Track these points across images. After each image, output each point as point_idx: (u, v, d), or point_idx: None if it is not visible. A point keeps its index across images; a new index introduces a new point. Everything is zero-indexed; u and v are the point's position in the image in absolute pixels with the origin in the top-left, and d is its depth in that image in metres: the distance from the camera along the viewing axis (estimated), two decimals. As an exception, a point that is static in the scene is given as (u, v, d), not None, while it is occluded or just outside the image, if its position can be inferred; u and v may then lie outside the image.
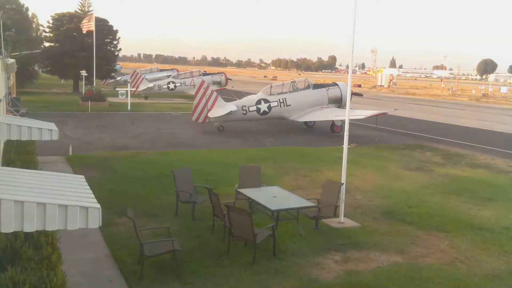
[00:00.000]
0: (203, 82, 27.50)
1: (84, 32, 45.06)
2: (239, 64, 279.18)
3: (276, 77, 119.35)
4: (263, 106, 26.50)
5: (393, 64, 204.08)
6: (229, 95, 31.82)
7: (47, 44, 54.36)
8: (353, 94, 24.72)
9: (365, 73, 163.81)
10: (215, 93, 26.07)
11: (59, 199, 5.22)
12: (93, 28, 43.55)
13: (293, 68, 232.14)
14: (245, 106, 26.35)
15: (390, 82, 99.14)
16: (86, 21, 44.73)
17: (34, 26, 57.53)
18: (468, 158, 21.31)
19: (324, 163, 18.50)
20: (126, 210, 9.38)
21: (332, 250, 10.19)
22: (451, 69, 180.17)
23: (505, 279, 9.22)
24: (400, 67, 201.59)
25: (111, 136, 23.95)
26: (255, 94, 28.13)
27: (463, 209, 13.52)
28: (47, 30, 54.19)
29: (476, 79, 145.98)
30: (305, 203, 11.28)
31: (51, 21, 53.68)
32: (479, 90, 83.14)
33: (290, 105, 26.88)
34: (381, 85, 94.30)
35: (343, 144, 12.21)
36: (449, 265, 9.71)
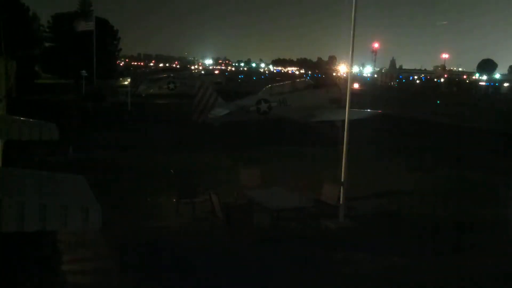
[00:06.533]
0: (203, 82, 27.48)
1: (78, 30, 44.88)
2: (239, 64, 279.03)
3: (277, 77, 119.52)
4: (263, 106, 26.47)
5: (393, 64, 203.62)
6: (230, 95, 31.79)
7: (47, 44, 54.42)
8: (353, 94, 24.70)
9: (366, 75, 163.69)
10: (215, 93, 26.04)
11: (60, 200, 5.23)
12: (93, 28, 43.58)
13: (294, 67, 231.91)
14: (245, 106, 26.32)
15: (390, 82, 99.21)
16: (82, 20, 44.72)
17: (35, 26, 57.59)
18: (469, 158, 21.29)
19: (324, 163, 18.46)
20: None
21: (332, 250, 10.19)
22: (451, 69, 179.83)
23: (505, 279, 9.23)
24: (400, 67, 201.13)
25: (112, 136, 23.94)
26: (256, 94, 28.11)
27: (464, 209, 13.52)
28: (47, 30, 54.25)
29: (479, 79, 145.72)
30: (305, 202, 11.29)
31: (51, 21, 53.73)
32: (479, 90, 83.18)
33: (290, 105, 26.86)
34: (381, 85, 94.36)
35: (342, 144, 12.21)
36: (449, 265, 9.71)
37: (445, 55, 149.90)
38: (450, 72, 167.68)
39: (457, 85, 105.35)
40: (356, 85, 65.70)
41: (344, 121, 12.53)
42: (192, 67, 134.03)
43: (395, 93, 72.16)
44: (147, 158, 18.74)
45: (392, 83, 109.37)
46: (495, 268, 9.64)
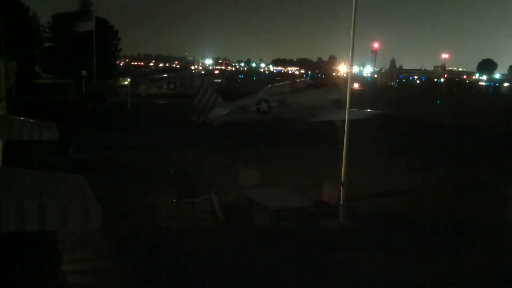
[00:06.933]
0: (203, 82, 27.48)
1: (78, 31, 44.89)
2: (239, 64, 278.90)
3: (277, 77, 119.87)
4: (263, 106, 26.47)
5: (393, 64, 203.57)
6: (230, 95, 31.79)
7: (47, 44, 54.45)
8: (353, 94, 24.71)
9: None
10: (215, 93, 26.05)
11: (60, 200, 5.22)
12: (93, 28, 43.59)
13: (294, 67, 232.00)
14: (245, 106, 26.32)
15: (390, 82, 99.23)
16: (82, 21, 44.72)
17: (35, 26, 57.57)
18: (469, 158, 21.29)
19: (324, 163, 18.47)
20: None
21: (332, 250, 10.19)
22: (451, 69, 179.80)
23: (505, 279, 9.23)
24: (400, 67, 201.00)
25: (112, 136, 23.94)
26: (256, 94, 28.10)
27: (464, 209, 13.52)
28: (47, 30, 54.27)
29: (479, 79, 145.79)
30: (305, 202, 11.30)
31: (51, 21, 53.76)
32: (479, 90, 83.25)
33: (290, 105, 26.85)
34: (381, 85, 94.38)
35: (342, 144, 12.21)
36: (450, 265, 9.71)
37: (445, 55, 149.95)
38: (450, 72, 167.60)
39: (457, 85, 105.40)
40: (356, 85, 65.68)
41: (344, 121, 12.52)
42: (192, 67, 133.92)
43: (395, 93, 72.17)
44: (147, 158, 18.74)
45: (392, 83, 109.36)
46: (495, 268, 9.64)
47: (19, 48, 42.07)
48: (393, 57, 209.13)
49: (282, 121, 28.17)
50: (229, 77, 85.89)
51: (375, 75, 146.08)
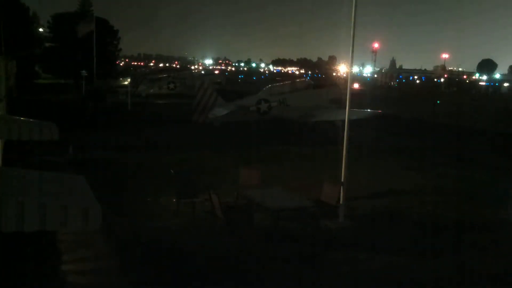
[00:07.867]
0: (203, 82, 27.49)
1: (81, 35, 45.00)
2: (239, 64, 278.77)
3: (277, 77, 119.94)
4: (264, 106, 26.46)
5: (393, 64, 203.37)
6: (230, 95, 31.79)
7: (47, 44, 54.46)
8: (353, 94, 24.68)
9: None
10: (215, 93, 26.05)
11: (60, 200, 5.22)
12: (93, 28, 43.55)
13: (294, 67, 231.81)
14: (245, 106, 26.31)
15: (390, 82, 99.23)
16: (84, 23, 44.77)
17: (35, 26, 57.55)
18: (469, 158, 21.29)
19: (324, 163, 18.47)
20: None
21: (332, 250, 10.19)
22: (451, 69, 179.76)
23: (505, 279, 9.23)
24: (400, 67, 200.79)
25: (112, 136, 23.93)
26: (256, 94, 28.10)
27: (464, 209, 13.52)
28: (47, 30, 54.29)
29: (479, 79, 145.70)
30: (305, 202, 11.30)
31: (51, 21, 53.76)
32: (479, 90, 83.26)
33: (290, 105, 26.85)
34: (381, 85, 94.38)
35: (342, 144, 12.22)
36: (450, 265, 9.71)
37: (445, 55, 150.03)
38: (450, 72, 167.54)
39: (457, 85, 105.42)
40: (356, 85, 65.67)
41: (344, 121, 12.52)
42: (192, 67, 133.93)
43: (395, 93, 72.17)
44: (147, 158, 18.73)
45: (392, 83, 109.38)
46: (495, 268, 9.64)
47: (19, 48, 42.01)
48: (393, 57, 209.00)
49: (282, 121, 28.14)
50: (229, 77, 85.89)
51: (375, 75, 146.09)
